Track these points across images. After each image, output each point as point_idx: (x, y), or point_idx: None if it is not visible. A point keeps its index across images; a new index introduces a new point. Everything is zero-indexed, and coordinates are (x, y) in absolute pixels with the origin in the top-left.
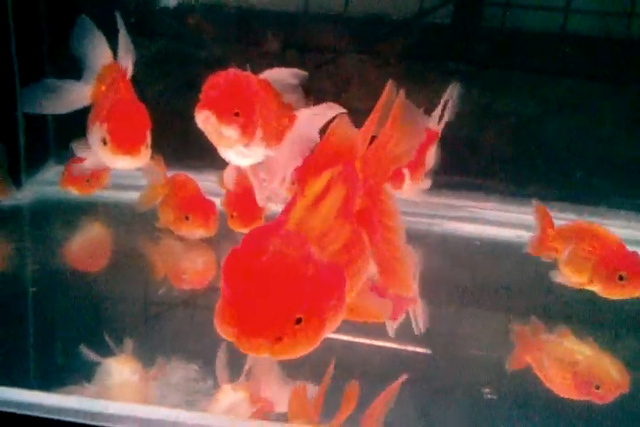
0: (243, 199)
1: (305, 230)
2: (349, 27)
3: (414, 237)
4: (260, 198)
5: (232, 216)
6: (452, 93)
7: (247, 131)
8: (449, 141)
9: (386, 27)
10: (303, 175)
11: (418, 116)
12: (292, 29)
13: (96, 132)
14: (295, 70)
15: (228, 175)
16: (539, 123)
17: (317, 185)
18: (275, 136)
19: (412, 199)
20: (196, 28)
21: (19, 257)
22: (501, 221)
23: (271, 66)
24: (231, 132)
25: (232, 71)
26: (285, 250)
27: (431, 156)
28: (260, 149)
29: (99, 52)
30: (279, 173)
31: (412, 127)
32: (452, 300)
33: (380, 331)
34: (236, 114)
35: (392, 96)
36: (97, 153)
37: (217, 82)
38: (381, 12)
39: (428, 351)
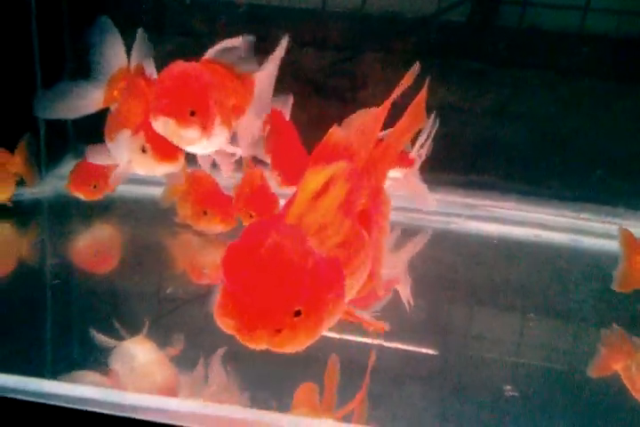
0: (258, 199)
1: (304, 224)
2: (366, 25)
3: (432, 236)
4: (225, 171)
5: (251, 216)
6: (433, 124)
7: (207, 125)
8: (466, 140)
9: (402, 25)
10: (304, 172)
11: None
12: (309, 27)
13: (130, 139)
14: (239, 38)
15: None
16: (556, 122)
17: (318, 180)
18: (234, 113)
19: None
20: (211, 25)
21: (39, 251)
22: (519, 221)
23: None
24: (192, 132)
25: (179, 66)
26: (284, 243)
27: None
28: (222, 135)
29: (115, 55)
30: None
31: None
32: (469, 298)
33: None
34: (192, 113)
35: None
36: (131, 160)
37: (167, 83)
38: (397, 9)
39: (444, 351)
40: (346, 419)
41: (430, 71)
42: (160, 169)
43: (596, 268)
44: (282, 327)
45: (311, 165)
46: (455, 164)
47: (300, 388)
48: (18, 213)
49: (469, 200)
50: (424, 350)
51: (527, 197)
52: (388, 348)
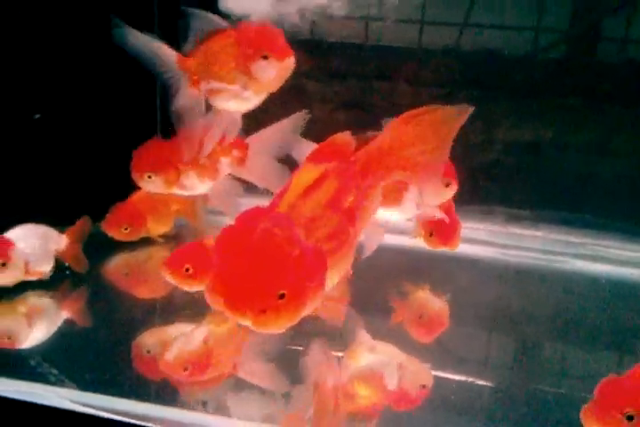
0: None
1: (294, 215)
2: (461, 61)
3: (535, 275)
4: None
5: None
6: None
7: None
8: (568, 177)
9: (498, 62)
10: (299, 168)
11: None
12: (405, 64)
13: None
14: None
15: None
16: None
17: (309, 176)
18: None
19: None
20: (308, 62)
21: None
22: (624, 260)
23: (386, 99)
24: None
25: None
26: (275, 230)
27: None
28: None
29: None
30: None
31: (440, 138)
32: (580, 342)
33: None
34: None
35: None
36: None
37: None
38: (494, 46)
39: (545, 391)
40: None
41: (528, 107)
42: None
43: None
44: (266, 308)
45: (308, 160)
46: (557, 201)
47: None
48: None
49: (572, 238)
50: (523, 390)
51: (632, 236)
52: (482, 385)
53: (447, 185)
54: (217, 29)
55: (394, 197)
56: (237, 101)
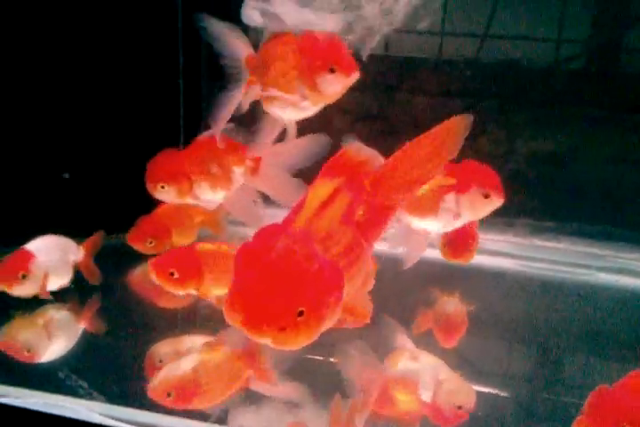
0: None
1: (312, 231)
2: (482, 72)
3: (561, 287)
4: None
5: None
6: None
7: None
8: (590, 189)
9: (519, 73)
10: (312, 182)
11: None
12: (426, 75)
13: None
14: None
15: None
16: None
17: (324, 191)
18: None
19: None
20: None
21: None
22: None
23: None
24: None
25: None
26: (292, 247)
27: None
28: None
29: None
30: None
31: (444, 149)
32: (603, 353)
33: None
34: None
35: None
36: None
37: None
38: (515, 57)
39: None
40: None
41: (549, 118)
42: None
43: None
44: (286, 326)
45: (321, 175)
46: (580, 213)
47: None
48: None
49: (596, 250)
50: (547, 403)
51: None
52: (504, 397)
53: (486, 196)
54: (278, 33)
55: (433, 209)
56: (293, 110)
